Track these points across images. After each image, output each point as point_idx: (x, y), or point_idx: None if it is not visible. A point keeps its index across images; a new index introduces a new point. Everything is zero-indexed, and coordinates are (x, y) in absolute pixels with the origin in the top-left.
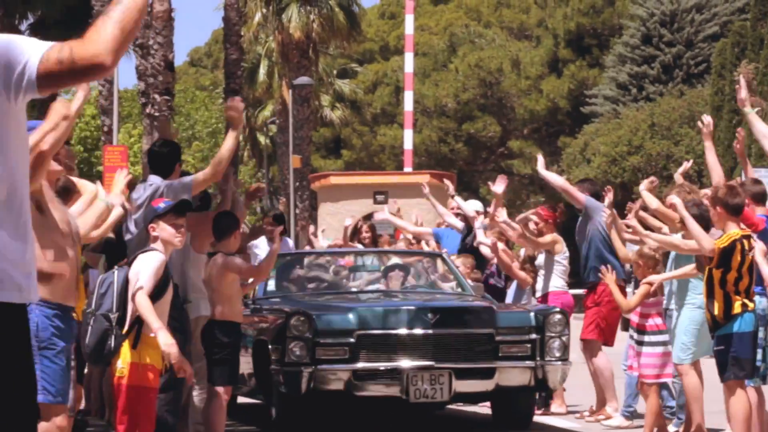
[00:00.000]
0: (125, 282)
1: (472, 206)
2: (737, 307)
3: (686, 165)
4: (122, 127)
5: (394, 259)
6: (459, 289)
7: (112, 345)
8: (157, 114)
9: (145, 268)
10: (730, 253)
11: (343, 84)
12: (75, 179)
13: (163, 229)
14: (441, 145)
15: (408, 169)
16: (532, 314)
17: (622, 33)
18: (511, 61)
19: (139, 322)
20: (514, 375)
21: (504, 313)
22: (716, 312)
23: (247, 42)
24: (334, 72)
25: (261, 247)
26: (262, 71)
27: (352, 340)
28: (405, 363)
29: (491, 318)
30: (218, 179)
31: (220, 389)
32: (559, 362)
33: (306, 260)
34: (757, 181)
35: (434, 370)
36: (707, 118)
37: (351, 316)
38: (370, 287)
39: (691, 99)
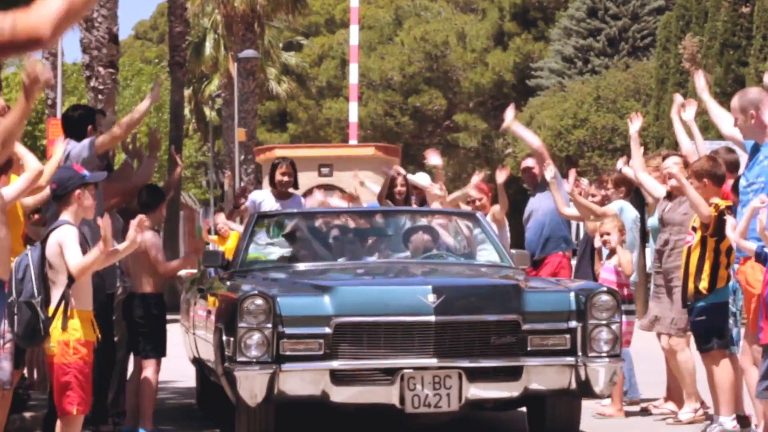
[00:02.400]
0: (42, 261)
1: (420, 178)
2: (721, 280)
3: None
4: (66, 101)
5: (420, 221)
6: (496, 258)
7: (42, 330)
8: (101, 87)
9: (68, 249)
10: (722, 222)
11: (289, 57)
12: (21, 151)
13: (87, 198)
14: (387, 118)
15: (353, 141)
16: (571, 294)
17: (568, 6)
18: (457, 34)
19: (66, 302)
20: (547, 376)
21: (533, 293)
22: (704, 284)
23: (192, 15)
24: (280, 45)
25: (267, 202)
26: (209, 45)
27: (327, 330)
28: (399, 360)
29: (516, 299)
30: (123, 138)
31: (149, 362)
32: (608, 359)
33: (311, 222)
34: (730, 150)
35: (438, 370)
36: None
37: (327, 297)
38: (388, 257)
39: (636, 72)
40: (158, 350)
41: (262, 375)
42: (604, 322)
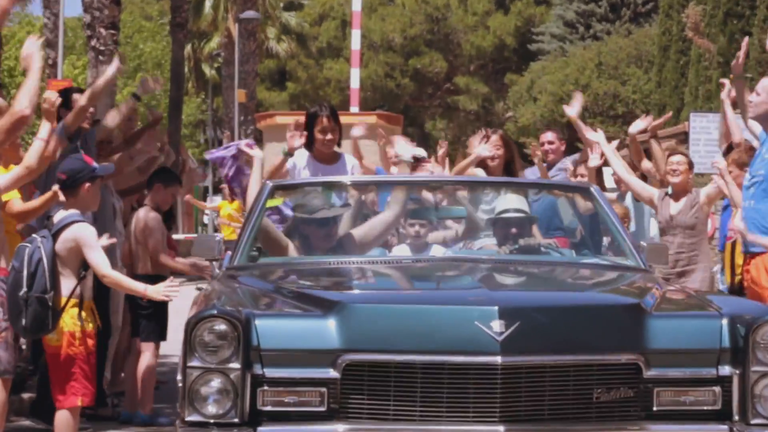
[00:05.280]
0: (54, 256)
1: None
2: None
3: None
4: (66, 58)
5: (507, 202)
6: (618, 253)
7: (50, 324)
8: (102, 48)
9: (94, 252)
10: None
11: (290, 17)
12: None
13: (95, 191)
14: (387, 80)
15: (354, 108)
16: (723, 322)
17: None
18: None
19: (80, 296)
20: None
21: (663, 320)
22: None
23: None
24: (281, 4)
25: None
26: (208, 3)
27: (333, 372)
28: (446, 427)
29: (636, 329)
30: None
31: (147, 345)
32: None
33: (350, 196)
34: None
35: None
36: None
37: (332, 321)
38: (461, 249)
39: (638, 38)
40: (158, 334)
41: None
42: None
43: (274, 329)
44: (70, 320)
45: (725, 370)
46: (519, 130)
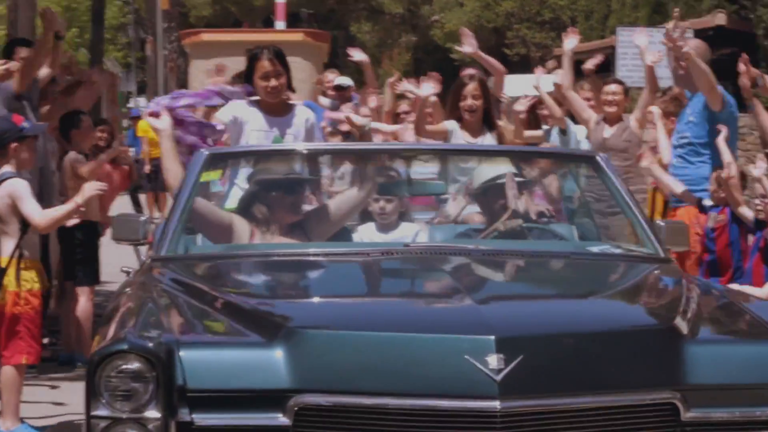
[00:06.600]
0: None
1: (341, 81)
2: None
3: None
4: None
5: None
6: (630, 239)
7: None
8: None
9: (26, 203)
10: None
11: None
12: None
13: (24, 151)
14: None
15: (280, 24)
16: None
17: None
18: None
19: (20, 254)
20: None
21: (705, 346)
22: None
23: None
24: None
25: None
26: None
27: (283, 418)
28: None
29: (671, 359)
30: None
31: (83, 290)
32: None
33: (301, 167)
34: None
35: None
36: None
37: (280, 350)
38: (436, 236)
39: None
40: (91, 278)
41: None
42: None
43: (205, 363)
44: (13, 280)
45: None
46: (445, 36)
